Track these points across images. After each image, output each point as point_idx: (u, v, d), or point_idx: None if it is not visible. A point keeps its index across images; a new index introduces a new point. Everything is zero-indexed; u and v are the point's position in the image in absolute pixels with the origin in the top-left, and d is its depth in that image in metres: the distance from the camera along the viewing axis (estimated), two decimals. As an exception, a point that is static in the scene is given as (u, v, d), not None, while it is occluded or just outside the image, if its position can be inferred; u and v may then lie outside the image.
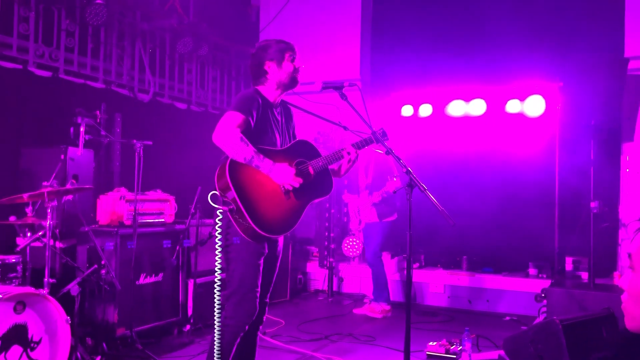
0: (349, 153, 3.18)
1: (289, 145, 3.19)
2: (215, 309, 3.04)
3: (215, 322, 3.04)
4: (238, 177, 2.92)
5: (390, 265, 6.84)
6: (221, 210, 2.99)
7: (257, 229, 2.89)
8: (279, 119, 3.22)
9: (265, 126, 3.10)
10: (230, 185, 2.88)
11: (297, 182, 2.98)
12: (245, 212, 2.87)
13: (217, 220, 3.02)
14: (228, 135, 2.90)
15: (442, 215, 2.81)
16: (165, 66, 6.87)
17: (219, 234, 3.02)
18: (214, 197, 3.00)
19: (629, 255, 1.47)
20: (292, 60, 3.18)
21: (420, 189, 2.89)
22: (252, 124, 3.01)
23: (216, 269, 3.02)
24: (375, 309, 5.97)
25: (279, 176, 2.95)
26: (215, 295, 3.04)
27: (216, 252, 3.03)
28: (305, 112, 3.41)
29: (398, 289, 6.76)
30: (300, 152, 3.16)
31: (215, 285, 3.03)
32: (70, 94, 5.60)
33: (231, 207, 2.92)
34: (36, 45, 5.36)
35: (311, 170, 3.12)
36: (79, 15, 5.64)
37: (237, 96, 3.14)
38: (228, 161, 2.93)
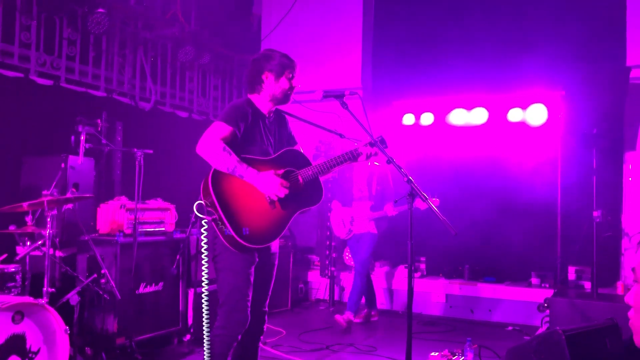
0: (360, 153, 3.14)
1: (277, 154, 3.15)
2: (203, 320, 3.02)
3: (204, 332, 3.02)
4: (220, 187, 2.91)
5: (391, 275, 6.81)
6: (206, 220, 2.97)
7: (237, 239, 2.87)
8: (271, 128, 3.20)
9: (254, 136, 3.08)
10: (212, 194, 2.87)
11: (282, 192, 2.95)
12: (226, 221, 2.86)
13: (202, 230, 3.01)
14: (210, 145, 2.90)
15: (444, 224, 2.79)
16: (166, 74, 6.88)
17: (205, 243, 3.01)
18: (199, 206, 2.98)
19: (633, 270, 1.44)
20: (290, 79, 3.15)
21: (422, 198, 2.87)
22: (239, 134, 3.00)
23: (203, 279, 3.02)
24: (349, 318, 5.83)
25: (264, 185, 2.93)
26: (203, 306, 3.03)
27: (202, 261, 3.02)
28: (301, 120, 3.40)
29: (400, 298, 6.72)
30: (289, 161, 3.12)
31: (202, 296, 3.02)
32: (71, 102, 5.61)
33: (214, 216, 2.90)
34: (38, 53, 5.37)
35: (300, 180, 3.09)
36: (80, 24, 5.65)
37: (227, 106, 3.14)
38: (211, 171, 2.93)
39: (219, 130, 2.95)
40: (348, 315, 5.82)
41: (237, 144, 2.98)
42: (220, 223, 2.90)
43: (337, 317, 5.83)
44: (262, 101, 3.17)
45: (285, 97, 3.19)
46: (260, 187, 2.93)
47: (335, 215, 6.22)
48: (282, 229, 3.05)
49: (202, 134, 2.96)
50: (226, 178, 2.93)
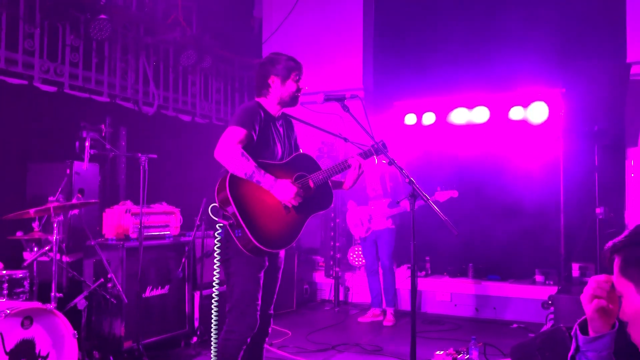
0: (349, 165, 3.19)
1: (289, 158, 3.20)
2: (212, 323, 3.05)
3: (212, 336, 3.05)
4: (238, 192, 2.93)
5: (397, 273, 6.84)
6: (221, 224, 3.00)
7: (257, 244, 2.90)
8: (281, 130, 3.24)
9: (267, 139, 3.12)
10: (230, 199, 2.89)
11: (297, 201, 2.99)
12: (245, 226, 2.88)
13: (216, 234, 3.04)
14: (229, 151, 2.91)
15: (446, 225, 2.81)
16: (169, 79, 6.91)
17: (218, 247, 3.04)
18: (214, 209, 3.01)
19: (613, 287, 1.48)
20: (297, 81, 3.19)
21: (424, 199, 2.90)
22: (255, 137, 3.03)
23: (214, 283, 3.04)
24: (387, 315, 6.11)
25: (280, 193, 2.96)
26: (212, 310, 3.05)
27: (214, 265, 3.05)
28: (306, 124, 3.43)
29: (404, 297, 6.75)
30: (300, 166, 3.18)
31: (213, 300, 3.05)
32: (75, 108, 5.65)
33: (231, 221, 2.93)
34: (41, 60, 5.41)
35: (311, 184, 3.13)
36: (83, 31, 5.69)
37: (239, 109, 3.15)
38: (228, 175, 2.94)
39: (235, 134, 2.97)
40: (389, 311, 6.09)
41: (251, 147, 3.01)
42: (236, 228, 2.93)
43: (385, 322, 6.04)
44: (271, 104, 3.21)
45: (293, 100, 3.22)
46: (277, 195, 2.97)
47: (351, 215, 6.32)
48: (297, 232, 3.09)
49: (219, 140, 2.97)
50: (243, 183, 2.95)
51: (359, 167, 3.19)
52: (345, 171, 3.23)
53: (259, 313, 3.06)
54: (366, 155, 3.21)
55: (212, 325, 3.06)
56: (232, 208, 2.89)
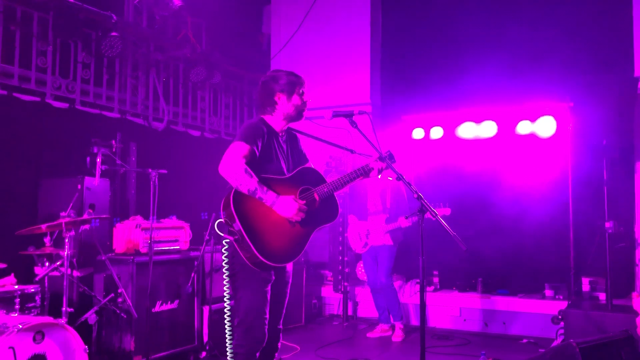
0: (371, 168, 3.21)
1: (293, 172, 3.22)
2: (226, 338, 3.06)
3: (227, 350, 3.06)
4: (242, 207, 2.96)
5: (405, 289, 6.82)
6: (227, 240, 3.03)
7: (261, 258, 2.92)
8: (285, 146, 3.27)
9: (270, 154, 3.15)
10: (235, 215, 2.92)
11: (299, 216, 3.01)
12: (249, 241, 2.91)
13: (223, 250, 3.07)
14: (233, 166, 2.95)
15: (455, 240, 2.83)
16: (179, 95, 6.99)
17: (225, 263, 3.07)
18: (220, 225, 3.04)
19: None
20: (302, 95, 3.23)
21: (432, 214, 2.91)
22: (257, 153, 3.06)
23: (225, 297, 3.06)
24: (397, 330, 6.06)
25: (282, 210, 2.98)
26: (225, 324, 3.07)
27: (224, 281, 3.08)
28: (312, 137, 3.46)
29: (413, 312, 6.73)
30: (305, 180, 3.20)
31: (225, 315, 3.07)
32: (86, 124, 5.72)
33: (236, 237, 2.96)
34: (53, 77, 5.50)
35: (316, 197, 3.15)
36: (94, 48, 5.78)
37: (243, 126, 3.19)
38: (232, 191, 2.97)
39: (239, 150, 3.01)
40: (398, 326, 6.02)
41: (255, 162, 3.04)
42: (241, 242, 2.95)
43: (394, 338, 5.98)
44: (276, 121, 3.24)
45: (298, 114, 3.26)
46: (279, 211, 2.99)
47: (351, 229, 6.31)
48: (303, 246, 3.11)
49: (223, 155, 3.00)
50: (247, 198, 2.98)
51: (379, 170, 3.21)
52: (354, 181, 3.24)
53: (267, 327, 3.07)
54: (383, 160, 3.21)
55: (227, 340, 3.08)
56: (237, 224, 2.92)
